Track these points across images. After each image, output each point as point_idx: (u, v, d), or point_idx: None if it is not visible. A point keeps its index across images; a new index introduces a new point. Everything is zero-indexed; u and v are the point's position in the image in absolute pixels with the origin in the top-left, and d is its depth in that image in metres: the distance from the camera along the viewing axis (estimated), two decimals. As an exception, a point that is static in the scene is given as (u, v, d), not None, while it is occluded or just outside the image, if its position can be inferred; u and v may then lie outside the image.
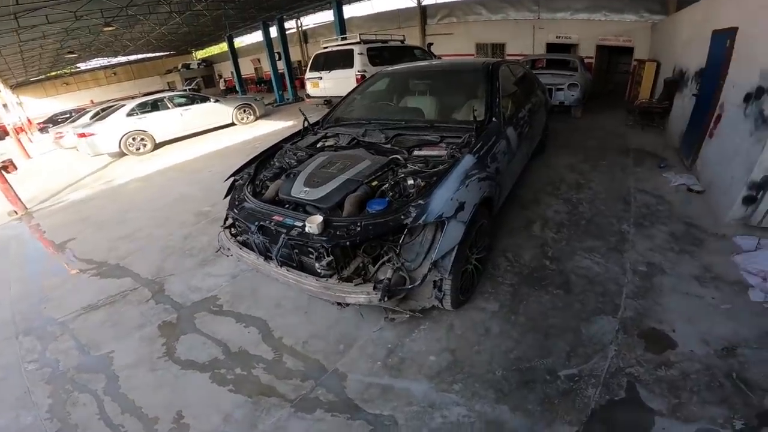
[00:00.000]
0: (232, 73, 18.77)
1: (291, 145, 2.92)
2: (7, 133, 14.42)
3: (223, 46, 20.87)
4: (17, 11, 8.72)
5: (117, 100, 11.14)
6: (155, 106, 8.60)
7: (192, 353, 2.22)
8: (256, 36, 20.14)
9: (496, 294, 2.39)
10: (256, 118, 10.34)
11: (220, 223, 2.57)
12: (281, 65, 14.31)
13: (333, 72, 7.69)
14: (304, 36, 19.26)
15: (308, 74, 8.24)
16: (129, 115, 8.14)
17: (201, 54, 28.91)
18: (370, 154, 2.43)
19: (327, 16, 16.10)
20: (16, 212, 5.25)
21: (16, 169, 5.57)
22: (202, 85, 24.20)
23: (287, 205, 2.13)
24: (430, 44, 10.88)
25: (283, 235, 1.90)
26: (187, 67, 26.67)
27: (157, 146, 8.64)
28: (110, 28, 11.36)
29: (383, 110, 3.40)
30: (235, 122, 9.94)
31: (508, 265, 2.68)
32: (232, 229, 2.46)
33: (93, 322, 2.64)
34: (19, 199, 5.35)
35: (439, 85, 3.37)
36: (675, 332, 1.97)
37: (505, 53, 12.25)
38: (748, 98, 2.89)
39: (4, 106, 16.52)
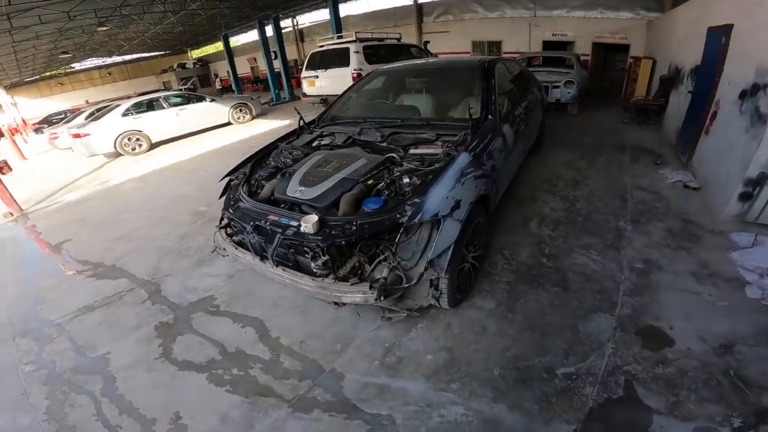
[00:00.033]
0: (228, 72, 18.68)
1: (287, 144, 2.90)
2: (1, 134, 14.36)
3: (219, 46, 20.71)
4: (10, 12, 8.63)
5: (112, 100, 11.04)
6: (151, 105, 8.54)
7: (189, 354, 2.22)
8: (252, 35, 20.09)
9: (493, 292, 2.39)
10: (253, 118, 10.31)
11: (216, 222, 2.56)
12: (277, 64, 14.27)
13: (329, 70, 7.68)
14: (301, 35, 19.20)
15: (304, 73, 8.23)
16: (124, 115, 8.09)
17: (197, 53, 28.69)
18: (365, 152, 2.42)
19: (323, 14, 16.03)
20: (11, 213, 5.22)
21: (11, 170, 5.55)
22: (198, 85, 24.01)
23: (283, 205, 2.12)
24: (427, 42, 10.91)
25: (278, 235, 1.89)
26: (182, 66, 26.48)
27: (153, 146, 8.59)
28: (104, 28, 11.26)
29: (379, 108, 3.39)
30: (232, 121, 9.90)
31: (505, 262, 2.67)
32: (228, 229, 2.45)
33: (89, 323, 2.63)
34: (15, 201, 5.31)
35: (435, 83, 3.36)
36: (672, 329, 1.97)
37: (501, 51, 12.24)
38: (743, 95, 2.89)
39: (-1, 107, 16.44)
